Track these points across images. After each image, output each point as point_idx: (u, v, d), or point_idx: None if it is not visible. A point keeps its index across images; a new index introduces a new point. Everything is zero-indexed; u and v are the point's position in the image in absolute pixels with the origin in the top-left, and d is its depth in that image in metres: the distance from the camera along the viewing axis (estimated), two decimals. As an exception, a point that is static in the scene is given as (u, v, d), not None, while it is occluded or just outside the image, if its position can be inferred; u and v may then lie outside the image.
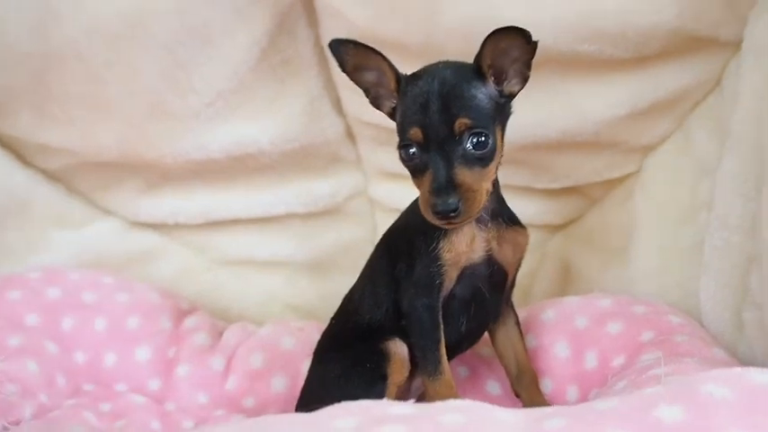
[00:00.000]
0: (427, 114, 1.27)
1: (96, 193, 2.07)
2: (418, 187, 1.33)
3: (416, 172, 1.32)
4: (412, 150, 1.30)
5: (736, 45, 1.63)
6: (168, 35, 1.74)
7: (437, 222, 1.29)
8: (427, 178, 1.28)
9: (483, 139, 1.27)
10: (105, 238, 2.08)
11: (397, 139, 1.98)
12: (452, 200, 1.25)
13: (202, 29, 1.75)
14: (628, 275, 1.85)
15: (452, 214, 1.25)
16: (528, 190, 2.00)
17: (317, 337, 1.79)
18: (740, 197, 1.56)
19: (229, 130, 1.93)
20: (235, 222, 2.13)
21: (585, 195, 2.01)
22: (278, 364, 1.73)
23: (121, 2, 1.69)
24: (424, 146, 1.28)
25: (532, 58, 1.29)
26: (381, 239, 1.58)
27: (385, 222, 2.16)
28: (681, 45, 1.65)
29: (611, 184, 1.97)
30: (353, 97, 2.00)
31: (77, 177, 2.03)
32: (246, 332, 1.85)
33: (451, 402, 0.95)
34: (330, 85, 2.02)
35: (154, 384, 1.72)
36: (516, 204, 1.47)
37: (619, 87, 1.76)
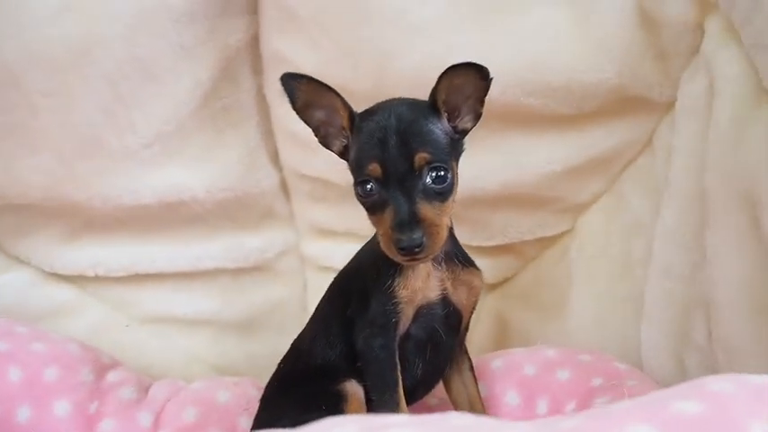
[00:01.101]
0: (386, 149, 1.25)
1: (10, 240, 1.92)
2: (377, 224, 1.30)
3: (375, 209, 1.28)
4: (369, 186, 1.27)
5: (666, 106, 1.73)
6: (113, 66, 1.68)
7: (400, 259, 1.26)
8: (388, 214, 1.25)
9: (442, 173, 1.26)
10: (15, 289, 1.92)
11: (333, 192, 2.01)
12: (417, 235, 1.22)
13: (148, 63, 1.70)
14: (566, 330, 1.88)
15: (417, 250, 1.22)
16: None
17: (253, 392, 1.71)
18: (679, 247, 1.63)
19: (164, 175, 1.86)
20: (158, 276, 2.02)
21: (520, 254, 2.04)
22: (213, 419, 1.62)
23: (68, 26, 1.63)
24: (382, 181, 1.25)
25: (485, 95, 1.30)
26: (333, 282, 1.53)
27: (315, 281, 2.14)
28: (618, 104, 1.73)
29: (545, 243, 2.01)
30: (292, 149, 1.99)
31: (-9, 221, 1.89)
32: (176, 387, 1.73)
33: (453, 413, 0.90)
34: (269, 137, 2.01)
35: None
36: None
37: (555, 144, 1.82)
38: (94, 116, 1.72)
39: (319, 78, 1.71)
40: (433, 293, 1.36)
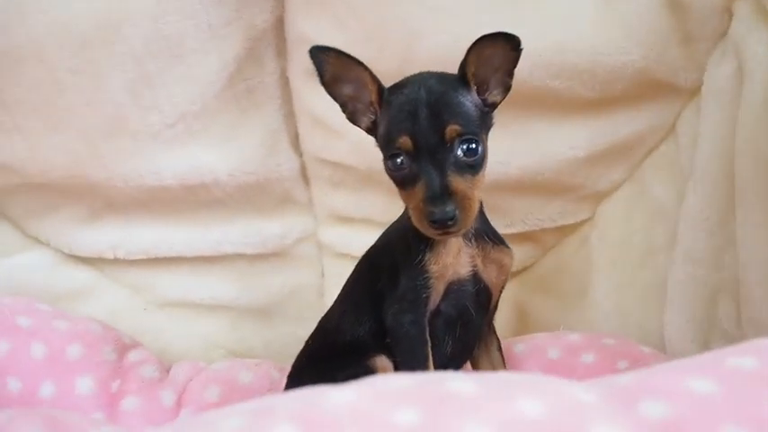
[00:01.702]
0: (416, 122, 1.24)
1: (29, 220, 1.91)
2: (407, 199, 1.29)
3: (405, 183, 1.27)
4: (400, 159, 1.26)
5: (691, 92, 1.74)
6: (141, 44, 1.67)
7: (432, 233, 1.25)
8: (420, 188, 1.24)
9: (473, 146, 1.25)
10: (34, 270, 1.91)
11: (352, 178, 2.01)
12: (449, 207, 1.21)
13: (176, 41, 1.70)
14: (587, 318, 1.87)
15: (450, 222, 1.21)
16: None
17: (275, 374, 1.70)
18: (704, 232, 1.62)
19: (186, 156, 1.85)
20: (177, 260, 2.01)
21: (539, 242, 2.03)
22: (236, 398, 1.60)
23: (98, 2, 1.62)
24: (413, 155, 1.24)
25: (515, 66, 1.29)
26: (362, 258, 1.52)
27: (332, 268, 2.13)
28: (642, 88, 1.73)
29: (564, 231, 2.00)
30: (313, 133, 1.98)
31: (12, 201, 1.88)
32: (197, 368, 1.72)
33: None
34: (290, 121, 2.00)
35: (96, 418, 1.54)
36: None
37: (579, 129, 1.82)
38: (120, 95, 1.72)
39: (346, 58, 1.74)
40: (464, 269, 1.35)
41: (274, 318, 2.10)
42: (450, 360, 1.41)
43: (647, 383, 0.79)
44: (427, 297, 1.33)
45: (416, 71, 1.69)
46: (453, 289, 1.36)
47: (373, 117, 1.34)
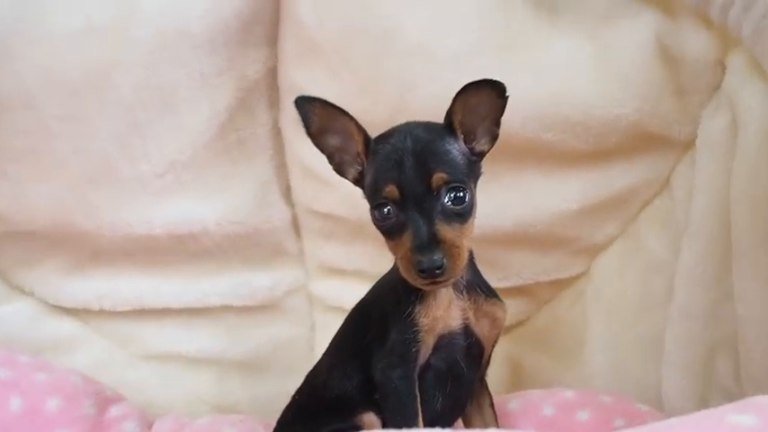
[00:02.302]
0: (402, 171, 1.22)
1: (13, 270, 1.88)
2: (395, 249, 1.26)
3: (392, 232, 1.25)
4: (387, 209, 1.24)
5: (685, 145, 1.72)
6: (131, 92, 1.67)
7: (420, 283, 1.22)
8: (407, 237, 1.22)
9: (461, 194, 1.23)
10: (17, 321, 1.88)
11: (343, 229, 1.99)
12: (437, 256, 1.18)
13: (167, 90, 1.69)
14: (583, 374, 1.83)
15: (438, 272, 1.18)
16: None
17: (261, 430, 1.66)
18: (700, 286, 1.60)
19: (175, 206, 1.83)
20: (163, 312, 1.97)
21: (533, 296, 2.00)
22: (219, 456, 1.55)
23: (89, 49, 1.62)
24: (400, 204, 1.22)
25: (502, 114, 1.27)
26: (351, 312, 1.48)
27: (323, 321, 2.09)
28: (635, 141, 1.72)
29: (559, 285, 1.97)
30: (305, 184, 1.97)
31: (-3, 250, 1.85)
32: (180, 423, 1.67)
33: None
34: (282, 172, 1.98)
35: (73, 476, 1.49)
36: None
37: (572, 182, 1.81)
38: (109, 143, 1.71)
39: (337, 109, 1.73)
40: (455, 322, 1.32)
41: (263, 372, 2.05)
42: (441, 416, 1.36)
43: (644, 443, 0.76)
44: (417, 351, 1.29)
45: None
46: (444, 342, 1.32)
47: (360, 168, 1.32)
